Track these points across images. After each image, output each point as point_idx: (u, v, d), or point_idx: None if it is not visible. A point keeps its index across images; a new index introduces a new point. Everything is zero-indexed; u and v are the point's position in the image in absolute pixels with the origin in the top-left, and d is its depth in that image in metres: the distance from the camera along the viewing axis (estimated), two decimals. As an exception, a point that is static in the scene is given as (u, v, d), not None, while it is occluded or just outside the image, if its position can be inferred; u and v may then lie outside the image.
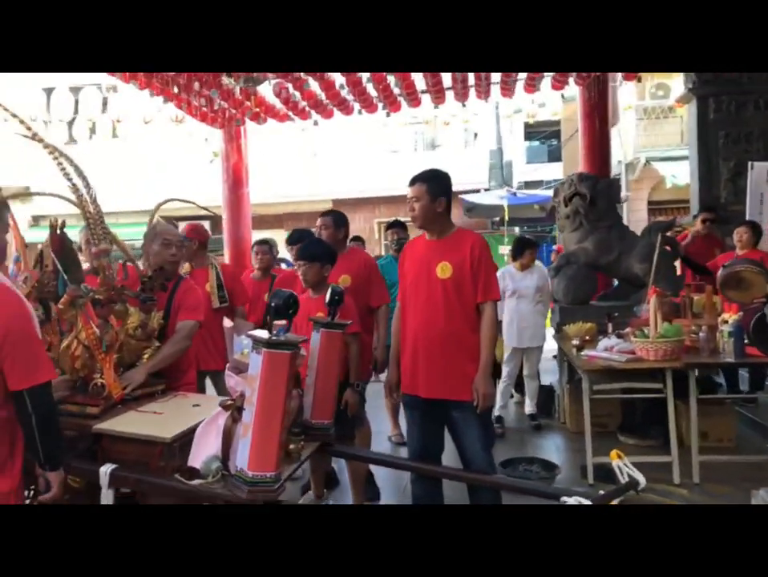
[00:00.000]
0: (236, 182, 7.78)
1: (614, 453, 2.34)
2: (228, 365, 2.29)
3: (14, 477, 1.84)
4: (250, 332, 1.95)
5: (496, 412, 4.97)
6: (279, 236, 14.51)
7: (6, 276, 1.96)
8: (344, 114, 7.16)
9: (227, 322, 2.13)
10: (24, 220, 13.68)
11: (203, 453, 2.05)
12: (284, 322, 1.96)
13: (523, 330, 4.91)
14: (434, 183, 2.74)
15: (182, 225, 4.22)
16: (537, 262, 5.12)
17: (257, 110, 6.79)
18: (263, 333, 1.94)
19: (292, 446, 2.29)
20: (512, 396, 5.87)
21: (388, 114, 7.05)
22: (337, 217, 3.66)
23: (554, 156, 20.74)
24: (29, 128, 2.17)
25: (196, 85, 5.54)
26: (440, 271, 2.71)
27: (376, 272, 3.62)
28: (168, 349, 2.58)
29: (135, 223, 13.18)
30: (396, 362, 2.91)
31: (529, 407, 5.11)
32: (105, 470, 2.01)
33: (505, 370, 5.00)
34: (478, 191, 12.98)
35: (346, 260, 3.51)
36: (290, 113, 7.05)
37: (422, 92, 6.86)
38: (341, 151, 14.77)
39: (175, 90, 5.72)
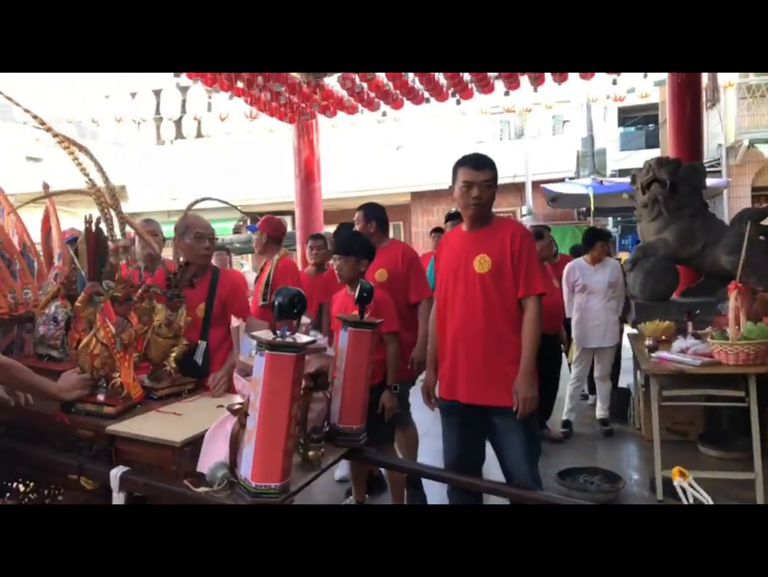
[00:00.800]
0: (308, 176, 7.79)
1: (676, 471, 2.05)
2: (235, 366, 2.22)
3: None
4: (253, 333, 1.83)
5: (564, 416, 4.67)
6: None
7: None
8: (414, 103, 6.98)
9: (234, 321, 2.06)
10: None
11: (211, 458, 1.96)
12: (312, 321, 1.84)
13: (594, 329, 4.57)
14: (496, 171, 2.54)
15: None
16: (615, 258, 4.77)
17: (325, 103, 6.73)
18: (266, 334, 1.82)
19: (311, 453, 2.17)
20: (587, 398, 5.53)
21: (458, 102, 6.83)
22: (367, 210, 3.54)
23: (651, 142, 19.63)
24: (42, 123, 2.16)
25: (260, 79, 5.53)
26: (478, 264, 2.52)
27: (416, 266, 3.44)
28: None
29: (228, 219, 13.66)
30: (433, 364, 2.74)
31: (600, 411, 4.76)
32: (116, 472, 1.96)
33: (574, 371, 4.69)
34: (562, 180, 12.43)
35: (383, 253, 3.36)
36: (359, 105, 6.95)
37: (495, 78, 6.58)
38: (421, 143, 14.62)
39: (240, 84, 5.75)
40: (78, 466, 2.03)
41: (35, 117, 2.16)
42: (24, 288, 2.50)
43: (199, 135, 9.42)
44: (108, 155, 15.08)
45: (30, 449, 2.19)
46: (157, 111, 8.92)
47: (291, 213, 8.93)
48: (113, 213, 2.26)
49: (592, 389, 5.20)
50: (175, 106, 8.79)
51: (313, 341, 1.87)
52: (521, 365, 2.46)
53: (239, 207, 3.19)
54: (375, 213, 3.51)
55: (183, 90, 8.57)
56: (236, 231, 13.06)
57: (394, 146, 16.04)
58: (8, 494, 2.22)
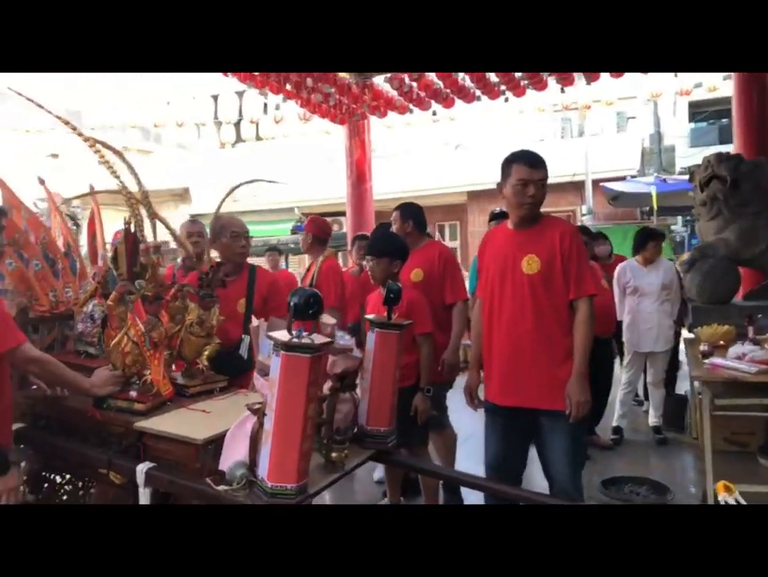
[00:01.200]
0: (359, 177, 7.81)
1: (721, 485, 1.92)
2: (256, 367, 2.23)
3: None
4: (270, 333, 1.83)
5: (614, 422, 4.50)
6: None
7: None
8: (465, 101, 6.89)
9: (254, 321, 2.07)
10: (184, 219, 14.90)
11: (231, 457, 1.97)
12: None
13: (646, 332, 4.38)
14: (547, 170, 2.49)
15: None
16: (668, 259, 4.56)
17: (375, 103, 6.73)
18: (282, 335, 1.82)
19: (334, 454, 2.16)
20: (642, 404, 5.32)
21: (506, 100, 6.70)
22: (404, 210, 3.48)
23: (725, 137, 18.75)
24: (74, 128, 2.22)
25: (309, 81, 5.58)
26: (526, 265, 2.46)
27: (452, 266, 3.38)
28: None
29: (285, 220, 13.89)
30: (476, 365, 2.70)
31: (653, 418, 4.56)
32: (142, 468, 2.01)
33: (625, 376, 4.51)
34: (624, 178, 12.02)
35: (419, 253, 3.32)
36: (409, 104, 6.92)
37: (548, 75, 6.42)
38: (479, 142, 14.48)
39: (289, 87, 5.81)
40: (107, 461, 2.08)
41: (64, 121, 2.23)
42: (65, 286, 2.59)
43: (258, 137, 9.64)
44: (172, 159, 15.64)
45: (65, 442, 2.26)
46: (216, 116, 9.17)
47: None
48: (144, 213, 2.30)
49: (648, 395, 4.99)
50: (232, 110, 9.01)
51: (330, 343, 1.85)
52: (574, 368, 2.40)
53: (296, 209, 3.22)
54: (412, 213, 3.46)
55: (240, 94, 8.77)
56: (294, 232, 13.26)
57: (452, 145, 15.97)
58: (45, 485, 2.30)
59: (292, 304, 1.81)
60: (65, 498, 2.27)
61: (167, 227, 2.49)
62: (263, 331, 1.97)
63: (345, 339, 2.35)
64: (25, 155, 10.47)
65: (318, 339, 1.84)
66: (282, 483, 1.79)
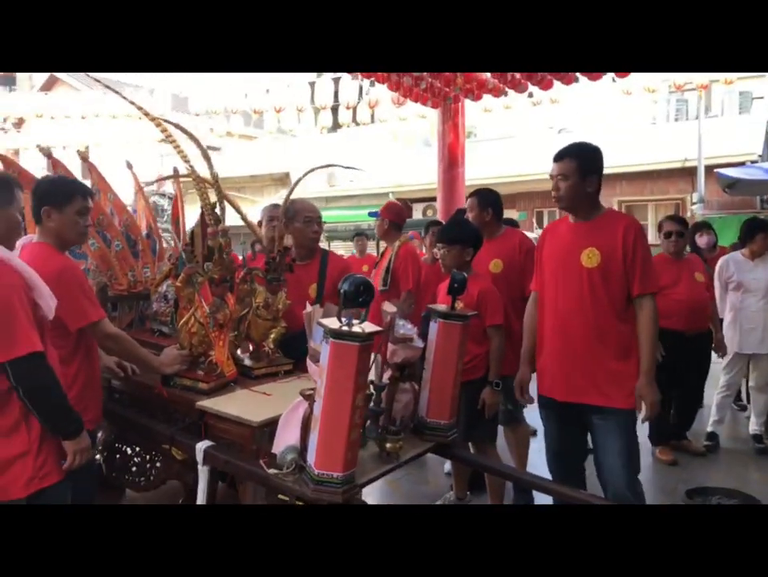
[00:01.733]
0: (451, 162, 7.66)
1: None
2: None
3: (28, 441, 1.77)
4: (320, 320, 1.81)
5: (709, 427, 4.18)
6: (511, 216, 14.16)
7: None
8: (564, 83, 6.58)
9: (307, 306, 2.06)
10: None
11: (284, 441, 1.99)
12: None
13: (749, 332, 4.01)
14: (586, 160, 2.40)
15: (418, 206, 4.37)
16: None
17: (468, 86, 6.56)
18: (332, 322, 1.79)
19: (389, 445, 2.12)
20: (745, 409, 4.92)
21: (614, 80, 6.32)
22: (482, 197, 3.31)
23: None
24: (146, 113, 2.30)
25: (398, 65, 5.51)
26: (586, 258, 2.38)
27: (533, 257, 3.22)
28: None
29: (376, 205, 13.98)
30: (528, 359, 2.64)
31: (754, 426, 4.19)
32: (200, 446, 2.06)
33: (724, 379, 4.16)
34: (743, 164, 11.09)
35: (498, 243, 3.19)
36: (504, 86, 6.69)
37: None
38: (585, 125, 13.88)
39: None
40: (170, 437, 2.16)
41: (139, 108, 2.30)
42: (144, 267, 2.70)
43: (354, 122, 9.72)
44: (273, 144, 16.09)
45: (135, 416, 2.37)
46: (312, 101, 9.31)
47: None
48: (213, 198, 2.35)
49: (750, 400, 4.60)
50: (329, 95, 9.11)
51: (379, 331, 1.81)
52: (642, 367, 2.34)
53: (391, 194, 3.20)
54: (491, 200, 3.31)
55: (336, 81, 8.85)
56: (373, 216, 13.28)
57: (555, 129, 15.39)
58: (118, 456, 2.43)
59: (342, 291, 1.78)
60: (134, 469, 2.38)
61: (238, 210, 2.53)
62: (317, 317, 1.95)
63: (406, 327, 2.30)
64: (138, 141, 11.09)
65: (369, 327, 1.81)
66: (328, 471, 1.78)
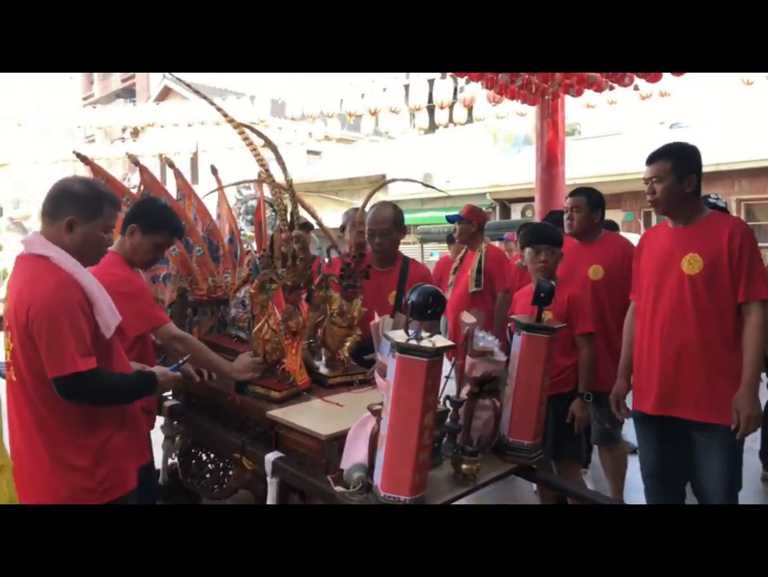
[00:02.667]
0: (550, 160, 7.33)
1: None
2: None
3: (93, 455, 1.75)
4: (386, 332, 1.70)
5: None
6: (616, 217, 13.46)
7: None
8: (674, 74, 6.12)
9: (375, 317, 1.95)
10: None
11: (352, 457, 1.89)
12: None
13: None
14: (681, 160, 2.25)
15: (517, 207, 4.23)
16: None
17: (568, 81, 6.24)
18: (399, 335, 1.67)
19: (464, 467, 1.98)
20: None
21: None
22: (592, 196, 3.06)
23: None
24: (225, 114, 2.28)
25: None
26: (687, 265, 2.22)
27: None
28: None
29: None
30: (625, 372, 2.48)
31: None
32: (270, 457, 2.01)
33: None
34: None
35: (598, 247, 2.95)
36: (607, 80, 6.31)
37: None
38: (699, 119, 13.03)
39: (472, 68, 5.59)
40: (241, 446, 2.12)
41: (217, 107, 2.29)
42: (225, 272, 2.70)
43: (451, 122, 9.57)
44: (370, 147, 16.20)
45: (209, 423, 2.36)
46: (407, 102, 9.26)
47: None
48: (288, 203, 2.30)
49: None
50: (423, 97, 9.03)
51: (452, 346, 1.67)
52: (744, 379, 2.16)
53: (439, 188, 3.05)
54: (601, 201, 3.07)
55: (431, 82, 8.75)
56: (451, 221, 13.03)
57: (667, 124, 14.52)
58: (194, 462, 2.43)
59: (409, 302, 1.66)
60: (208, 475, 2.37)
61: (313, 215, 2.47)
62: (386, 328, 1.84)
63: (486, 340, 2.15)
64: (241, 146, 11.45)
65: (440, 341, 1.68)
66: (395, 494, 1.67)
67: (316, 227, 2.58)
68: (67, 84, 26.83)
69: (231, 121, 2.34)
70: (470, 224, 3.91)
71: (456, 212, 4.11)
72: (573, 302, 2.65)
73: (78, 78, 27.04)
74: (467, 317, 2.14)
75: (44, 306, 1.64)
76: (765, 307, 2.16)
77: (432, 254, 14.07)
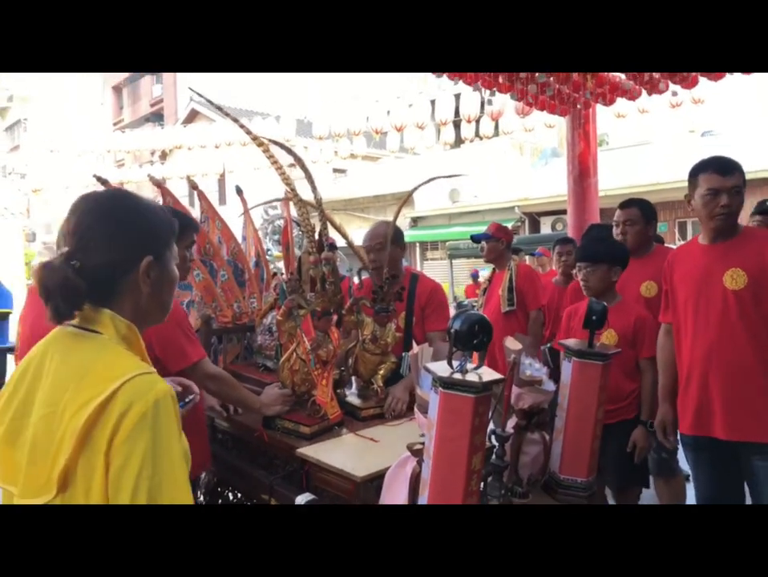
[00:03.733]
0: (582, 172, 7.13)
1: None
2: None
3: None
4: (427, 365, 1.54)
5: None
6: (650, 229, 13.11)
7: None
8: (711, 79, 5.89)
9: (414, 347, 1.80)
10: (405, 221, 15.28)
11: (390, 500, 1.73)
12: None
13: None
14: (743, 174, 2.17)
15: (546, 220, 4.07)
16: None
17: (600, 90, 6.06)
18: (442, 368, 1.51)
19: (514, 509, 1.79)
20: None
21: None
22: (646, 207, 2.87)
23: None
24: (248, 131, 2.18)
25: (522, 73, 5.16)
26: (729, 280, 2.12)
27: None
28: None
29: (506, 220, 13.52)
30: (668, 397, 2.34)
31: None
32: (300, 499, 1.85)
33: None
34: None
35: (650, 262, 2.75)
36: (641, 88, 6.11)
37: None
38: (734, 127, 12.73)
39: (500, 80, 5.45)
40: (269, 487, 1.97)
41: (240, 125, 2.18)
42: (251, 297, 2.57)
43: (477, 136, 9.43)
44: (396, 164, 16.12)
45: (237, 460, 2.21)
46: (433, 117, 9.15)
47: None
48: (317, 223, 2.16)
49: None
50: (450, 112, 8.91)
51: (502, 380, 1.50)
52: None
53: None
54: (654, 213, 2.89)
55: (457, 96, 8.64)
56: (476, 240, 12.87)
57: (699, 132, 14.19)
58: (220, 501, 2.28)
59: (453, 330, 1.49)
60: (235, 517, 2.21)
61: (344, 235, 2.33)
62: (426, 359, 1.68)
63: (534, 368, 1.98)
64: (267, 166, 11.46)
65: (487, 374, 1.51)
66: (441, 546, 1.49)
67: (343, 244, 2.45)
68: (98, 110, 27.40)
69: (255, 139, 2.22)
70: (498, 242, 3.78)
71: (482, 231, 3.97)
72: (641, 324, 2.52)
73: (108, 103, 27.59)
74: (512, 343, 1.97)
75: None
76: None
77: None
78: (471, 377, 1.48)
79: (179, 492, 0.90)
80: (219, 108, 2.34)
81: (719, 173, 2.18)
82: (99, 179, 2.32)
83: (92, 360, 0.95)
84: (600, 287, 2.58)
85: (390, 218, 2.54)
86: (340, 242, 2.39)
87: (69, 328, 0.99)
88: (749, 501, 2.25)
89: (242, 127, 2.29)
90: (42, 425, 0.92)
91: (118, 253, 0.99)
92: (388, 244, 2.57)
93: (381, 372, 2.30)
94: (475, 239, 3.92)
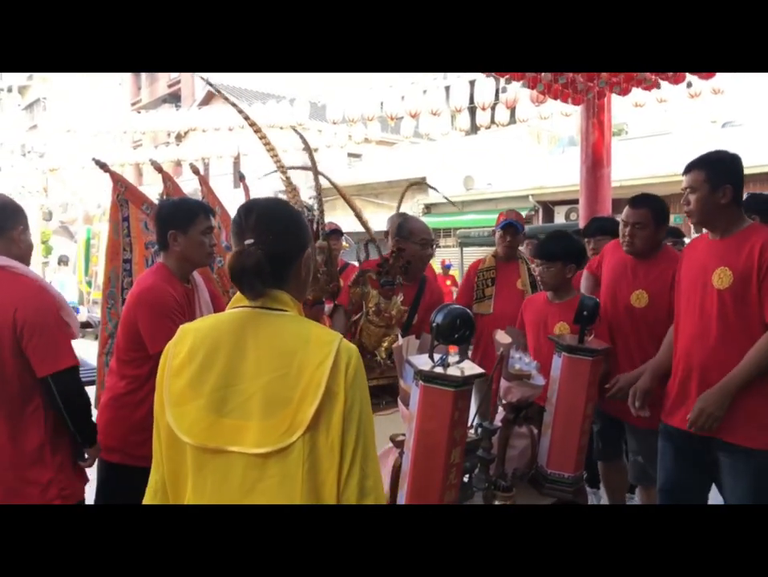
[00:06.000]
0: (595, 162, 7.04)
1: None
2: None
3: (52, 467, 1.92)
4: (409, 358, 1.54)
5: None
6: (665, 220, 12.91)
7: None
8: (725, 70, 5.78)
9: (399, 339, 1.80)
10: (419, 208, 15.23)
11: (372, 492, 1.74)
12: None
13: None
14: (716, 170, 2.11)
15: (561, 209, 3.91)
16: None
17: (615, 79, 5.97)
18: (423, 361, 1.51)
19: (497, 503, 1.80)
20: None
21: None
22: (658, 210, 2.57)
23: None
24: (249, 121, 2.19)
25: (535, 59, 5.09)
26: (717, 279, 2.08)
27: None
28: None
29: (520, 208, 13.41)
30: (652, 371, 2.33)
31: None
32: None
33: None
34: None
35: (656, 266, 2.61)
36: (656, 78, 6.01)
37: None
38: (755, 117, 12.50)
39: (513, 68, 5.39)
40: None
41: (242, 113, 2.19)
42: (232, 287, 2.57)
43: (493, 123, 9.35)
44: (411, 149, 16.02)
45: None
46: (447, 103, 9.07)
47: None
48: (315, 212, 2.17)
49: None
50: (463, 97, 8.82)
51: (482, 375, 1.50)
52: (724, 379, 2.02)
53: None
54: (666, 214, 2.62)
55: (471, 83, 8.55)
56: (527, 221, 12.73)
57: (719, 123, 13.96)
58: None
59: (434, 324, 1.49)
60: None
61: (358, 215, 2.34)
62: (411, 351, 1.68)
63: (523, 362, 1.97)
64: (282, 150, 11.42)
65: (469, 368, 1.51)
66: (418, 538, 1.50)
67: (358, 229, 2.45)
68: (116, 90, 27.48)
69: (252, 125, 2.22)
70: (520, 234, 3.53)
71: (496, 215, 3.75)
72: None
73: (126, 84, 27.64)
74: (502, 336, 1.97)
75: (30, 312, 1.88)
76: None
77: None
78: (453, 371, 1.48)
79: (371, 417, 1.17)
80: (218, 91, 2.34)
81: (683, 172, 2.22)
82: (97, 162, 2.33)
83: (302, 330, 1.16)
84: (554, 283, 2.59)
85: (404, 204, 2.54)
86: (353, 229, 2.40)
87: (254, 310, 1.17)
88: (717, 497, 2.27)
89: (239, 111, 2.29)
90: (274, 385, 1.11)
91: (290, 244, 1.21)
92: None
93: (385, 344, 2.30)
94: (516, 228, 3.53)
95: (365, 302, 2.32)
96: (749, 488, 2.00)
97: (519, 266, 3.44)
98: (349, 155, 18.40)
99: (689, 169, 2.20)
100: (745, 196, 2.38)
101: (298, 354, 1.11)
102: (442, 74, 10.78)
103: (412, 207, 14.75)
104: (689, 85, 6.22)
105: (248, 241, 1.15)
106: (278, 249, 1.17)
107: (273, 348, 1.13)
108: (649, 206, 2.60)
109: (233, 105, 2.33)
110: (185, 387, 1.14)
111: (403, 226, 2.65)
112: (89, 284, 12.00)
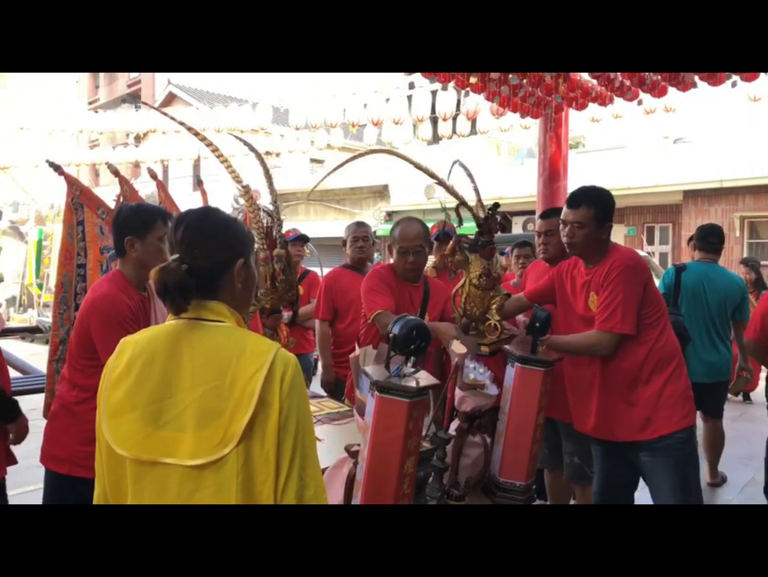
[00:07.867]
0: (552, 175, 7.21)
1: None
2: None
3: None
4: (366, 368, 1.56)
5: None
6: (619, 232, 13.24)
7: None
8: (680, 89, 5.99)
9: (356, 349, 1.80)
10: (381, 215, 15.27)
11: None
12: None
13: None
14: (604, 209, 2.33)
15: (518, 219, 3.94)
16: None
17: (572, 94, 6.12)
18: (379, 372, 1.53)
19: (450, 511, 1.82)
20: None
21: (734, 85, 5.67)
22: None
23: None
24: (195, 132, 2.15)
25: (493, 74, 5.18)
26: (592, 304, 2.29)
27: None
28: None
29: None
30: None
31: None
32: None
33: None
34: None
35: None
36: (612, 94, 6.19)
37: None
38: (704, 135, 12.91)
39: (473, 80, 5.47)
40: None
41: (183, 124, 2.17)
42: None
43: (454, 133, 9.45)
44: (373, 157, 16.10)
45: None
46: (410, 113, 9.14)
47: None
48: (274, 220, 2.16)
49: None
50: (426, 108, 8.91)
51: (437, 385, 1.52)
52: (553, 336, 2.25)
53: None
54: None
55: (434, 93, 8.65)
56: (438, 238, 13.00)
57: (671, 139, 14.40)
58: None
59: (391, 335, 1.51)
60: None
61: (432, 175, 2.48)
62: (368, 361, 1.69)
63: (477, 372, 2.01)
64: (243, 154, 11.33)
65: (424, 379, 1.53)
66: (371, 547, 1.51)
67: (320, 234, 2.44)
68: (73, 88, 26.82)
69: (196, 134, 2.20)
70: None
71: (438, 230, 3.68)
72: None
73: (84, 82, 27.02)
74: (458, 347, 2.00)
75: None
76: (615, 339, 2.17)
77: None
78: (408, 382, 1.51)
79: (311, 425, 1.18)
80: (149, 106, 2.30)
81: (569, 206, 2.36)
82: (51, 164, 2.28)
83: (238, 341, 1.16)
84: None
85: (366, 211, 2.54)
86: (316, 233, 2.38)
87: (190, 321, 1.18)
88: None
89: (180, 123, 2.27)
90: (208, 397, 1.11)
91: (217, 257, 1.21)
92: (426, 245, 2.60)
93: (495, 305, 2.31)
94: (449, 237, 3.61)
95: (466, 270, 2.32)
96: (669, 482, 2.20)
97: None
98: (312, 160, 18.36)
99: (577, 204, 2.31)
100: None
101: (232, 365, 1.12)
102: (404, 83, 10.89)
103: (374, 213, 14.79)
104: (640, 102, 6.40)
105: (173, 256, 1.17)
106: (204, 263, 1.18)
107: (208, 359, 1.14)
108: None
109: (172, 118, 2.31)
110: (122, 399, 1.14)
111: (393, 229, 2.67)
112: (40, 286, 11.67)
